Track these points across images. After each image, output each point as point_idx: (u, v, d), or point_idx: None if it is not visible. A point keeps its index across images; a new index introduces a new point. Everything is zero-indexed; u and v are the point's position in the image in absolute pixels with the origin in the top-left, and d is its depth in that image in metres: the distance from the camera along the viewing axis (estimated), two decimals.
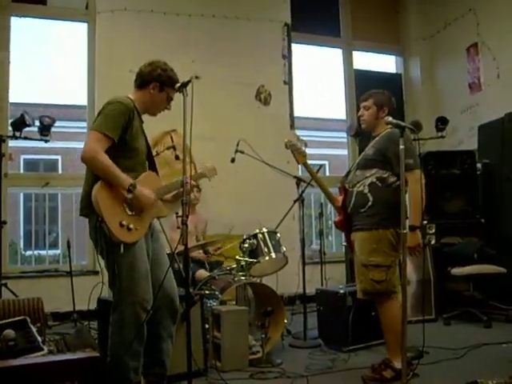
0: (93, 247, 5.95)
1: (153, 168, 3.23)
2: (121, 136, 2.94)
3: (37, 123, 5.48)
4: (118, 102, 3.00)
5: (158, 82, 3.10)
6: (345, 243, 3.98)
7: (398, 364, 3.29)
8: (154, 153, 3.62)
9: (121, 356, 2.88)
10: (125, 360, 2.89)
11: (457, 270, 5.17)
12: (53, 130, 5.59)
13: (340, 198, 3.70)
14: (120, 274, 2.90)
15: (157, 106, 3.18)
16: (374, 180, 3.48)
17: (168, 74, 3.10)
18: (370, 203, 3.47)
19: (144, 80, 3.15)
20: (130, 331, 2.88)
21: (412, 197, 3.34)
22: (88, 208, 2.93)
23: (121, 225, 2.86)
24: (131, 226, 2.90)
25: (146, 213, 3.01)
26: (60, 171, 15.37)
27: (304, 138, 8.27)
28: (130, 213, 2.94)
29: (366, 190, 3.50)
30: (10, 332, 3.15)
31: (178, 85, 2.97)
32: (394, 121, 3.19)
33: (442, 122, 6.51)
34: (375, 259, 3.40)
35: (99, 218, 2.87)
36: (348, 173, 3.76)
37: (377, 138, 3.60)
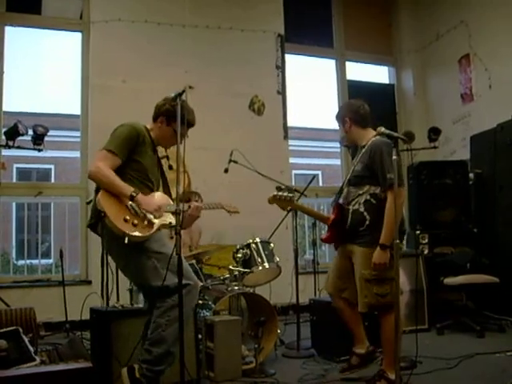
0: (85, 257, 6.02)
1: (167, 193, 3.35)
2: (129, 156, 3.10)
3: (30, 132, 5.47)
4: (129, 125, 3.16)
5: (164, 117, 3.22)
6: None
7: (392, 375, 3.31)
8: None
9: (164, 338, 2.94)
10: (167, 342, 2.94)
11: (450, 280, 5.18)
12: (46, 139, 5.58)
13: (331, 217, 3.67)
14: (160, 265, 2.98)
15: (165, 139, 3.28)
16: (368, 198, 3.51)
17: (175, 110, 3.04)
18: (367, 222, 3.48)
19: (155, 113, 3.30)
20: (177, 313, 2.89)
21: (387, 216, 3.36)
22: (96, 216, 3.05)
23: (125, 220, 2.96)
24: (136, 222, 2.98)
25: (151, 216, 3.07)
26: (53, 180, 15.33)
27: (297, 149, 8.31)
28: (134, 213, 3.02)
29: (362, 209, 3.51)
30: (1, 342, 3.14)
31: (173, 95, 3.01)
32: (387, 131, 3.23)
33: (434, 133, 6.55)
34: (379, 273, 3.40)
35: (102, 214, 2.96)
36: (341, 189, 3.77)
37: (364, 150, 3.61)
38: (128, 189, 3.02)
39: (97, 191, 3.08)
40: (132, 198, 3.00)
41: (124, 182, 3.04)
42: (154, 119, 3.30)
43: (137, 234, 2.96)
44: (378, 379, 3.42)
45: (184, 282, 2.90)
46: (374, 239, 3.41)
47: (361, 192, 3.53)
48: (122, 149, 3.07)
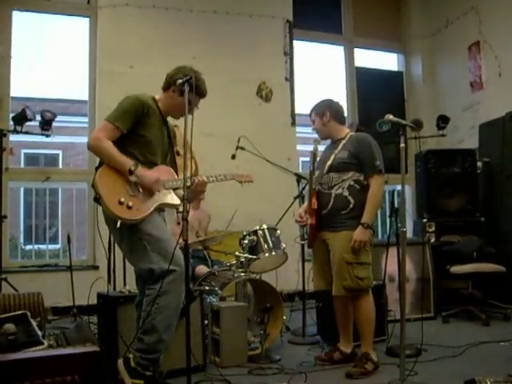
0: (92, 242, 6.05)
1: (174, 168, 3.32)
2: (132, 128, 3.08)
3: (38, 118, 5.48)
4: (134, 97, 3.13)
5: (177, 87, 3.14)
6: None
7: (374, 356, 3.56)
8: None
9: (154, 326, 2.92)
10: (158, 330, 2.93)
11: (456, 269, 5.18)
12: (54, 124, 5.60)
13: (314, 202, 3.72)
14: (150, 247, 2.96)
15: (176, 109, 3.22)
16: (352, 183, 3.63)
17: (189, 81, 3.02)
18: (351, 205, 3.61)
19: (167, 83, 3.25)
20: (165, 301, 2.92)
21: (373, 198, 3.56)
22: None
23: (119, 202, 2.94)
24: (131, 204, 2.96)
25: (150, 195, 3.06)
26: (60, 166, 15.38)
27: (304, 136, 8.29)
28: (131, 193, 3.01)
29: (346, 193, 3.63)
30: (10, 326, 3.16)
31: (180, 81, 3.00)
32: (395, 119, 3.26)
33: (443, 121, 6.50)
34: (360, 257, 3.56)
35: (97, 196, 2.97)
36: (321, 175, 3.78)
37: (344, 141, 3.74)
38: (127, 162, 3.00)
39: (97, 169, 3.08)
40: (131, 172, 2.98)
41: (127, 157, 3.03)
42: (166, 88, 3.25)
43: (129, 217, 2.94)
44: (365, 362, 3.51)
45: (170, 267, 2.89)
46: (356, 224, 3.56)
47: (345, 177, 3.64)
48: (123, 120, 3.05)
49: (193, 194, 3.30)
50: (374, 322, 3.64)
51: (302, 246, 4.82)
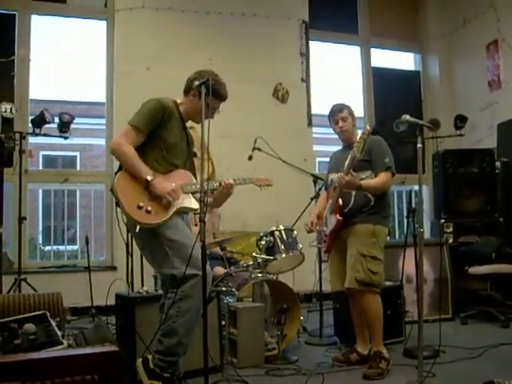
0: (110, 243, 6.09)
1: (192, 171, 3.32)
2: (154, 131, 3.07)
3: (56, 120, 5.53)
4: (156, 100, 3.13)
5: (197, 90, 3.09)
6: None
7: (385, 352, 3.58)
8: None
9: (174, 329, 2.92)
10: (178, 334, 2.92)
11: (474, 269, 5.13)
12: (72, 126, 5.64)
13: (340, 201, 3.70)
14: (171, 252, 2.95)
15: (197, 113, 3.11)
16: None
17: (210, 84, 3.01)
18: (372, 203, 3.66)
19: (188, 86, 3.24)
20: (187, 305, 2.91)
21: (373, 183, 3.61)
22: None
23: (138, 207, 2.94)
24: (149, 208, 2.95)
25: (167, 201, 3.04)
26: (78, 167, 15.51)
27: (321, 136, 8.24)
28: (150, 198, 2.99)
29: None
30: (30, 326, 3.20)
31: (197, 83, 3.01)
32: (412, 119, 3.27)
33: (460, 120, 6.43)
34: (374, 251, 3.59)
35: (116, 201, 2.98)
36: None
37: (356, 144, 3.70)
38: (145, 172, 2.97)
39: (116, 173, 3.07)
40: (148, 183, 2.96)
41: (146, 162, 3.02)
42: (186, 92, 3.24)
43: (148, 221, 2.93)
44: (379, 361, 3.51)
45: (193, 272, 2.86)
46: (375, 220, 3.64)
47: (363, 176, 3.65)
48: (145, 123, 3.04)
49: (221, 196, 3.32)
50: (382, 320, 3.63)
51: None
